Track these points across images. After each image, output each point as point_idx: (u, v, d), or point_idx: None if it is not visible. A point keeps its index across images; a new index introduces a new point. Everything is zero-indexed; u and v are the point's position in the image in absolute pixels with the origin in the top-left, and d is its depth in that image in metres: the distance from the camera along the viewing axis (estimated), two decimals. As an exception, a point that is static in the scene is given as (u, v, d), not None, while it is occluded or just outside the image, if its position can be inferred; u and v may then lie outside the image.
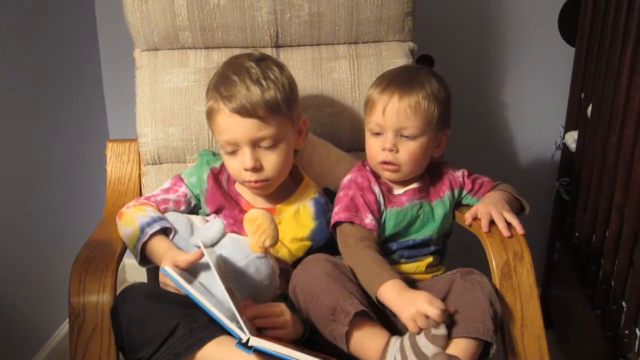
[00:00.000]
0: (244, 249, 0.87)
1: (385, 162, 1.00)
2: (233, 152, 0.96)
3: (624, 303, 1.15)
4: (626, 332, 1.12)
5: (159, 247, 0.92)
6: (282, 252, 0.99)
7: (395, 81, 1.00)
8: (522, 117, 1.58)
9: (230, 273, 0.86)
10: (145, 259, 0.94)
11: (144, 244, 0.92)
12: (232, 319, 0.78)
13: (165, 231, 0.94)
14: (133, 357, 0.82)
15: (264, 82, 0.93)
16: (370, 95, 1.02)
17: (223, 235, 0.89)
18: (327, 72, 1.18)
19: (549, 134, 1.57)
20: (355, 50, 1.20)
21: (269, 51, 1.18)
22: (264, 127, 0.93)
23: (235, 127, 0.93)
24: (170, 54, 1.18)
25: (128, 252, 0.99)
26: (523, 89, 1.56)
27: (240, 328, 0.76)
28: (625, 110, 1.16)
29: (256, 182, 0.96)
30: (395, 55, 1.19)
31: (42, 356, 1.38)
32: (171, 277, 0.79)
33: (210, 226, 0.91)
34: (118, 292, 0.89)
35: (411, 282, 0.98)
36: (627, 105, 1.14)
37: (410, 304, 0.85)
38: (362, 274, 0.92)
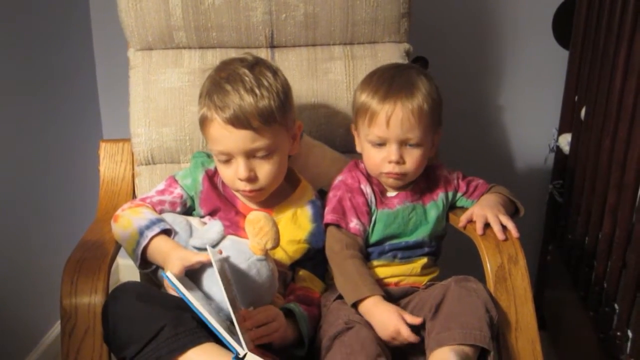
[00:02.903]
0: (245, 251, 0.87)
1: (390, 173, 0.99)
2: (227, 161, 0.95)
3: (616, 305, 1.15)
4: (618, 333, 1.12)
5: (163, 246, 0.90)
6: (280, 255, 0.99)
7: (394, 88, 0.96)
8: (515, 119, 1.59)
9: (231, 277, 0.85)
10: (145, 262, 0.93)
11: (145, 247, 0.91)
12: (231, 330, 0.77)
13: (166, 232, 0.93)
14: (118, 354, 0.82)
15: (257, 91, 0.92)
16: (365, 103, 0.98)
17: (223, 237, 0.89)
18: (322, 73, 1.18)
19: (543, 136, 1.57)
20: (351, 51, 1.20)
21: (264, 52, 1.18)
22: (258, 138, 0.92)
23: (229, 138, 0.92)
24: (165, 53, 1.17)
25: (121, 252, 0.98)
26: (517, 92, 1.57)
27: (239, 341, 0.76)
28: (618, 112, 1.16)
29: (250, 191, 0.96)
30: (391, 57, 1.19)
31: (34, 357, 1.37)
32: (173, 284, 0.79)
33: (209, 228, 0.90)
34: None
35: (405, 293, 0.99)
36: (620, 108, 1.15)
37: (385, 328, 0.89)
38: (343, 283, 0.95)
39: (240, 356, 0.75)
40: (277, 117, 0.93)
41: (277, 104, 0.93)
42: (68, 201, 1.48)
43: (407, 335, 0.88)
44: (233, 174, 0.95)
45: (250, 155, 0.94)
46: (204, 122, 0.96)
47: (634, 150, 1.09)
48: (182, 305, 0.81)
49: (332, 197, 1.02)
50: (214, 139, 0.94)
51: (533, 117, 1.58)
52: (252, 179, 0.94)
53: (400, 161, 0.97)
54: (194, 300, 0.78)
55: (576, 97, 1.45)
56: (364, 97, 0.99)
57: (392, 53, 1.20)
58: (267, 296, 0.88)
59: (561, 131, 1.51)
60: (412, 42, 1.23)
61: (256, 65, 0.96)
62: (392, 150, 0.97)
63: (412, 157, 0.98)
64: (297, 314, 0.91)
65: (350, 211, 1.00)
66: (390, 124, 0.95)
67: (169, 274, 0.80)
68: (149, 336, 0.78)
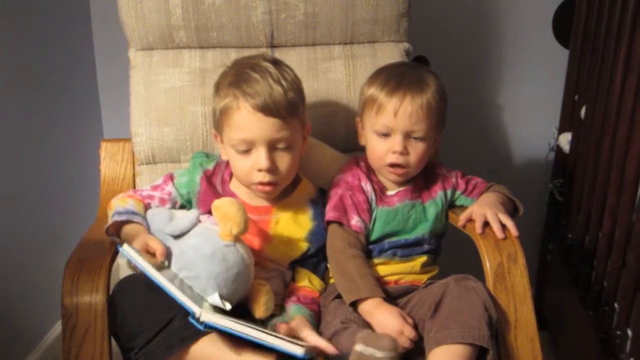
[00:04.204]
0: (212, 238, 0.87)
1: (393, 165, 1.00)
2: (246, 152, 0.94)
3: (616, 304, 1.15)
4: (618, 332, 1.12)
5: (132, 231, 0.92)
6: (278, 253, 0.99)
7: (404, 82, 0.98)
8: (516, 118, 1.59)
9: (195, 262, 0.87)
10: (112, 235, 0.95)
11: (120, 230, 0.94)
12: (192, 298, 0.80)
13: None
14: (127, 345, 0.82)
15: (284, 83, 0.93)
16: (373, 95, 0.99)
17: (195, 225, 0.89)
18: (322, 73, 1.18)
19: (543, 135, 1.57)
20: (351, 50, 1.20)
21: (264, 51, 1.18)
22: (284, 128, 0.93)
23: (256, 125, 0.92)
24: (165, 53, 1.18)
25: (122, 252, 0.99)
26: (517, 91, 1.57)
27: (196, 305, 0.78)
28: (618, 111, 1.16)
29: (268, 183, 0.95)
30: (391, 56, 1.19)
31: (35, 356, 1.38)
32: (128, 256, 0.82)
33: (183, 216, 0.91)
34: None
35: (405, 291, 1.00)
36: (620, 107, 1.15)
37: (385, 328, 0.89)
38: (343, 283, 0.95)
39: (197, 316, 0.77)
40: (300, 110, 0.96)
41: (299, 97, 0.96)
42: (69, 201, 1.49)
43: (411, 334, 0.88)
44: (251, 165, 0.94)
45: (272, 145, 0.94)
46: (225, 112, 0.95)
47: (634, 150, 1.09)
48: None
49: (333, 194, 1.02)
50: (238, 126, 0.93)
51: (533, 116, 1.58)
52: (272, 169, 0.94)
53: (404, 152, 0.98)
54: (150, 269, 0.80)
55: (576, 96, 1.45)
56: (372, 90, 1.00)
57: (391, 52, 1.20)
58: (237, 282, 0.87)
59: (561, 130, 1.51)
60: (412, 41, 1.23)
61: (276, 61, 0.98)
62: (396, 141, 0.98)
63: (416, 150, 0.99)
64: (308, 316, 0.92)
65: (351, 208, 1.00)
66: (398, 115, 0.97)
67: (124, 245, 0.82)
68: (159, 325, 0.79)
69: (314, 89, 1.17)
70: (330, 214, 1.00)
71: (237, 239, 0.88)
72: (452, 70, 1.52)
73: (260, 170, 0.94)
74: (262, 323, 0.89)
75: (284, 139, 0.93)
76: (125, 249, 0.82)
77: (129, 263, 0.88)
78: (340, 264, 0.97)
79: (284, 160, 0.95)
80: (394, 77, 0.99)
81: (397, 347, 0.82)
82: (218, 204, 0.87)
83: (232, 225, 0.86)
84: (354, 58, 1.19)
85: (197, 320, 0.76)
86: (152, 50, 1.18)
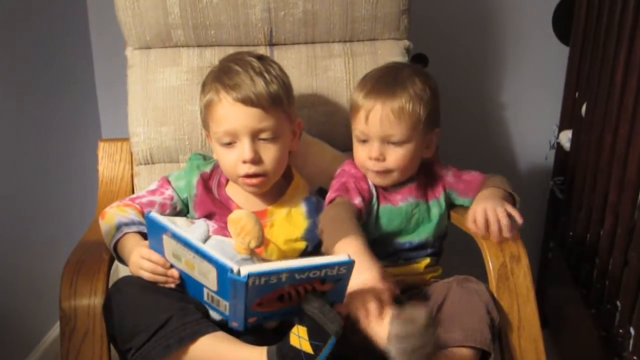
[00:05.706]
0: (229, 251, 0.86)
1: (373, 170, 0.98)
2: (230, 144, 0.94)
3: (618, 302, 1.15)
4: (620, 331, 1.12)
5: (131, 243, 0.90)
6: (276, 255, 0.98)
7: (377, 85, 0.96)
8: (516, 116, 1.59)
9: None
10: (119, 258, 0.93)
11: (117, 242, 0.91)
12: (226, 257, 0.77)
13: (143, 235, 0.92)
14: (124, 346, 0.82)
15: (267, 76, 0.93)
16: (353, 99, 0.99)
17: (207, 238, 0.88)
18: (322, 71, 1.17)
19: (543, 133, 1.57)
20: (351, 48, 1.19)
21: (263, 49, 1.17)
22: (266, 118, 0.92)
23: (237, 116, 0.92)
24: (163, 52, 1.17)
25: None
26: (517, 88, 1.56)
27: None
28: (619, 109, 1.16)
29: (254, 175, 0.94)
30: (391, 54, 1.18)
31: (34, 358, 1.37)
32: (157, 220, 0.80)
33: (194, 229, 0.89)
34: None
35: (407, 288, 0.98)
36: (621, 104, 1.14)
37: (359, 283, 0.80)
38: (329, 231, 0.90)
39: (235, 271, 0.74)
40: (284, 102, 0.94)
41: (284, 91, 0.95)
42: (67, 201, 1.48)
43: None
44: (236, 158, 0.94)
45: (255, 136, 0.93)
46: (209, 106, 0.94)
47: (635, 147, 1.08)
48: (186, 298, 0.82)
49: (336, 182, 1.01)
50: (220, 119, 0.93)
51: (534, 114, 1.57)
52: (256, 160, 0.93)
53: (380, 158, 0.97)
54: (179, 230, 0.79)
55: (577, 94, 1.45)
56: (354, 93, 1.00)
57: (392, 50, 1.19)
58: None
59: (562, 128, 1.51)
60: (412, 39, 1.22)
61: (262, 57, 0.98)
62: (373, 147, 0.97)
63: (394, 155, 0.97)
64: None
65: (354, 190, 0.98)
66: (369, 121, 0.95)
67: (152, 213, 0.81)
68: (156, 325, 0.78)
69: (313, 87, 1.16)
70: (331, 195, 0.97)
71: (252, 251, 0.87)
72: (453, 68, 1.52)
73: (244, 162, 0.93)
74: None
75: (267, 129, 0.93)
76: (153, 214, 0.81)
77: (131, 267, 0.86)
78: (325, 216, 0.93)
79: (269, 152, 0.94)
80: (370, 81, 0.98)
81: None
82: (235, 217, 0.85)
83: (250, 240, 0.85)
84: (354, 56, 1.18)
85: (237, 274, 0.74)
86: (150, 49, 1.17)
